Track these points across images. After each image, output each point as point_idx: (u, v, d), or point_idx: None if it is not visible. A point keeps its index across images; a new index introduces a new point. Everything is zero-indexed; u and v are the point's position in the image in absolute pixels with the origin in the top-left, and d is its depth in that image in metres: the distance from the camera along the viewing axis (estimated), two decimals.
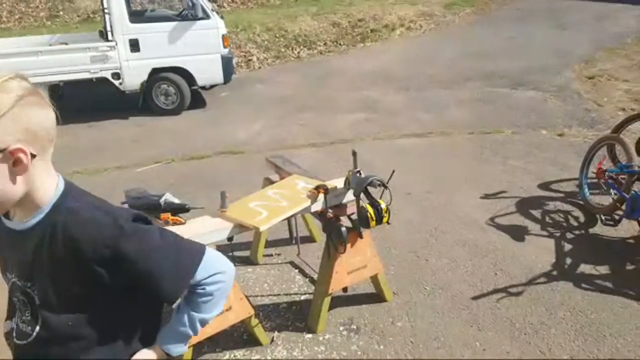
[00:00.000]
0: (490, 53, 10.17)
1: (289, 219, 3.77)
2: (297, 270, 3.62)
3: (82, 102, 8.02)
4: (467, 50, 10.55)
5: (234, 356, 2.84)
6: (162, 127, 7.21)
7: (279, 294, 3.36)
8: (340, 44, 12.28)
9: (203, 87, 8.14)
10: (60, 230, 1.13)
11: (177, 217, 2.62)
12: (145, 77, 7.32)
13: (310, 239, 3.94)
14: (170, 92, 7.57)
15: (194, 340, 2.54)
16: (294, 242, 3.83)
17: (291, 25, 12.94)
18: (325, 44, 12.22)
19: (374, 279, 3.18)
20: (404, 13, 13.65)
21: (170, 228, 2.59)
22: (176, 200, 2.81)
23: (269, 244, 3.83)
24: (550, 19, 12.96)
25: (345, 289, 3.11)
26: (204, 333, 2.58)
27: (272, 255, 3.81)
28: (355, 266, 3.00)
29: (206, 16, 7.37)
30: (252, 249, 3.75)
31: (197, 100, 8.16)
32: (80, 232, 1.13)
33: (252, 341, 2.91)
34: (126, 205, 3.04)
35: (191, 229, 2.57)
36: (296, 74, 10.14)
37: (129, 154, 6.16)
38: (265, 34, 12.46)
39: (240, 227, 2.64)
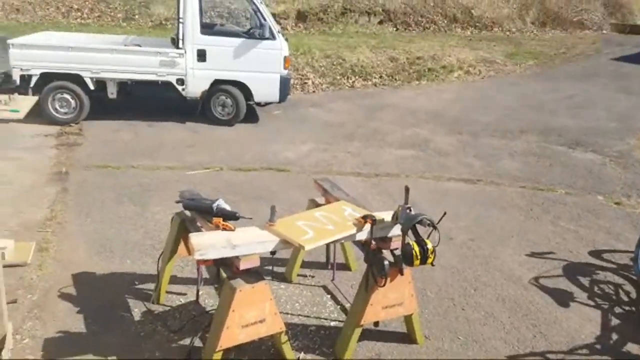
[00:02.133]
0: (550, 108, 9.97)
1: (327, 244, 3.77)
2: (329, 296, 3.57)
3: (146, 102, 8.33)
4: (526, 102, 10.37)
5: None
6: (215, 136, 7.37)
7: (308, 316, 3.32)
8: (395, 79, 12.32)
9: (258, 104, 8.31)
10: None
11: (227, 224, 2.65)
12: (207, 86, 7.54)
13: (345, 267, 3.89)
14: (227, 104, 7.75)
15: (224, 345, 2.54)
16: (329, 267, 3.80)
17: (349, 54, 13.11)
18: (380, 76, 12.29)
19: (408, 319, 3.10)
20: (464, 56, 13.60)
21: (215, 234, 2.63)
22: (227, 207, 2.86)
23: (304, 265, 3.79)
24: (617, 81, 12.63)
25: (377, 324, 3.04)
26: (235, 340, 2.57)
27: (306, 276, 3.77)
28: (391, 302, 2.93)
29: (272, 37, 7.57)
30: (287, 266, 3.73)
31: (251, 115, 8.32)
32: None
33: (278, 357, 2.87)
34: (180, 205, 3.12)
35: (239, 236, 2.59)
36: (349, 103, 10.21)
37: (182, 156, 6.31)
38: (323, 60, 12.66)
39: (285, 242, 2.64)
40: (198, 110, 7.76)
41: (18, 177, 5.31)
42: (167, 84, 7.43)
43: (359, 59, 12.89)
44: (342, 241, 2.99)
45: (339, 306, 3.46)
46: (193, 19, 7.30)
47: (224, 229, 2.65)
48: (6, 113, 3.44)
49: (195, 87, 7.51)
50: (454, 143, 7.74)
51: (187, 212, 3.20)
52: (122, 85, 7.46)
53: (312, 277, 3.79)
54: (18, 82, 6.91)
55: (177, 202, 3.17)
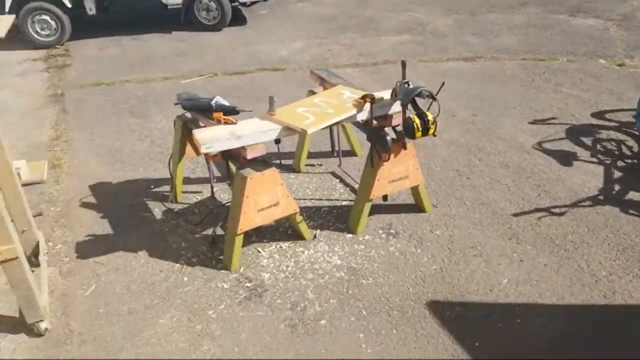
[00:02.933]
0: None
1: (331, 132, 3.82)
2: (337, 180, 3.69)
3: (125, 14, 8.02)
4: None
5: (280, 247, 3.00)
6: (203, 42, 7.17)
7: (320, 199, 3.46)
8: None
9: (244, 4, 7.96)
10: None
11: (228, 118, 2.68)
12: None
13: (351, 153, 3.96)
14: (211, 8, 7.44)
15: (243, 228, 2.69)
16: (335, 154, 3.88)
17: None
18: None
19: (415, 190, 3.22)
20: None
21: (219, 128, 2.67)
22: (226, 103, 2.86)
23: (311, 155, 3.87)
24: None
25: (385, 198, 3.17)
26: (252, 223, 2.72)
27: (314, 165, 3.87)
28: (397, 176, 3.03)
29: None
30: (295, 158, 3.81)
31: (237, 18, 8.02)
32: None
33: (296, 236, 3.06)
34: (179, 107, 3.13)
35: (242, 128, 2.63)
36: None
37: (174, 66, 6.20)
38: None
39: (288, 129, 2.68)
40: (182, 17, 7.48)
41: (15, 102, 5.28)
42: None
43: None
44: (344, 122, 3.02)
45: (348, 188, 3.59)
46: None
47: (226, 123, 2.68)
48: None
49: None
50: (451, 23, 7.49)
51: (188, 114, 3.22)
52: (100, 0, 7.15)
53: (320, 165, 3.89)
54: None
55: (176, 104, 3.18)
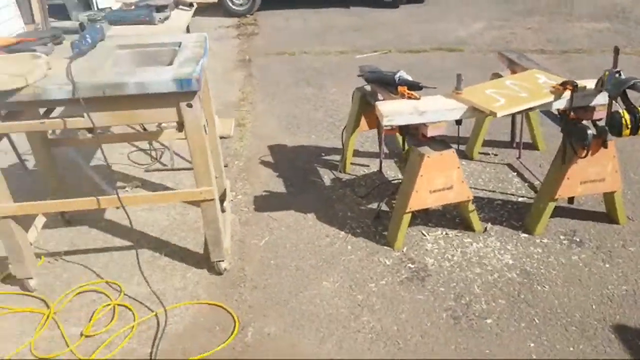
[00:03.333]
0: None
1: (513, 121, 3.58)
2: (514, 173, 3.45)
3: None
4: None
5: (446, 234, 2.92)
6: (380, 19, 7.19)
7: (493, 191, 3.28)
8: None
9: None
10: None
11: (412, 93, 2.64)
12: None
13: (531, 146, 3.68)
14: None
15: (413, 207, 2.66)
16: (514, 145, 3.63)
17: None
18: None
19: (608, 197, 2.88)
20: None
21: (402, 102, 2.64)
22: (409, 78, 2.82)
23: (485, 143, 3.68)
24: None
25: (571, 200, 2.89)
26: (423, 203, 2.67)
27: (488, 154, 3.67)
28: (591, 177, 2.73)
29: None
30: (468, 143, 3.66)
31: None
32: None
33: (464, 225, 2.95)
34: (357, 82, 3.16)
35: (426, 104, 2.57)
36: None
37: (350, 41, 6.34)
38: None
39: (474, 110, 2.56)
40: None
41: (212, 64, 5.84)
42: None
43: None
44: (537, 109, 2.78)
45: (526, 183, 3.34)
46: None
47: (409, 98, 2.64)
48: None
49: None
50: None
51: (367, 87, 3.25)
52: None
53: (495, 155, 3.68)
54: None
55: (359, 76, 3.22)
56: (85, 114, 2.10)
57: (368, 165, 3.65)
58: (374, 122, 3.33)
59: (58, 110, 2.37)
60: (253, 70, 5.61)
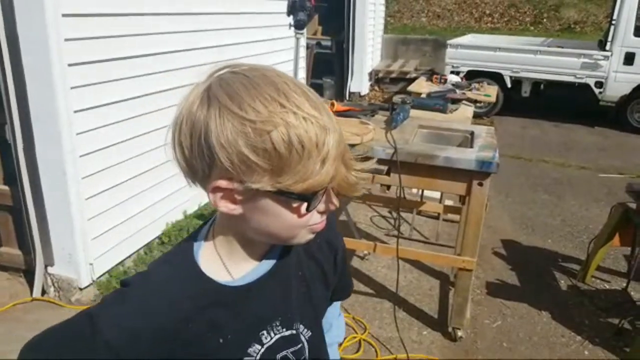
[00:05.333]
0: None
1: None
2: None
3: (554, 103, 8.52)
4: None
5: None
6: (628, 143, 6.97)
7: None
8: None
9: None
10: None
11: None
12: (628, 91, 7.16)
13: None
14: None
15: None
16: None
17: None
18: None
19: None
20: None
21: None
22: None
23: None
24: None
25: None
26: None
27: None
28: None
29: None
30: None
31: None
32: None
33: None
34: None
35: None
36: None
37: (593, 158, 6.27)
38: None
39: None
40: (613, 115, 7.47)
41: None
42: (583, 87, 7.40)
43: None
44: None
45: None
46: (628, 19, 7.00)
47: None
48: (480, 97, 4.30)
49: (615, 91, 7.23)
50: None
51: (632, 204, 3.29)
52: (536, 85, 7.85)
53: None
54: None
55: (628, 191, 3.28)
56: (397, 175, 2.66)
57: (609, 282, 3.59)
58: (629, 239, 3.33)
59: None
60: None
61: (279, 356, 0.81)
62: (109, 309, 0.71)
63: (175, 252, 0.79)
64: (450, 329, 2.97)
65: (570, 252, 4.00)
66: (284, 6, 3.48)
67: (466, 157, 2.54)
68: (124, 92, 3.06)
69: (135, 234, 3.32)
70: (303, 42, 5.96)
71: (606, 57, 7.09)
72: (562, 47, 7.91)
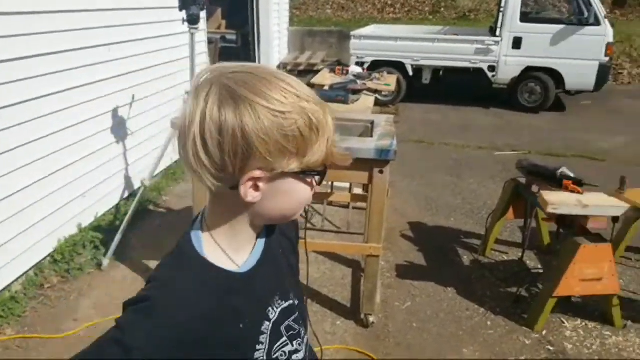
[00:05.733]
0: None
1: None
2: None
3: (453, 88, 8.96)
4: None
5: (585, 324, 3.02)
6: (520, 121, 7.49)
7: (634, 292, 3.33)
8: None
9: (568, 92, 8.02)
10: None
11: (576, 187, 2.89)
12: (517, 73, 7.69)
13: None
14: (535, 91, 7.76)
15: (560, 293, 2.82)
16: None
17: None
18: None
19: None
20: None
21: (566, 194, 2.89)
22: (571, 174, 3.07)
23: (628, 249, 3.71)
24: None
25: None
26: (570, 290, 2.83)
27: (630, 259, 3.71)
28: None
29: (596, 22, 7.20)
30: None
31: (556, 104, 8.11)
32: None
33: (602, 319, 3.04)
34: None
35: (589, 199, 2.81)
36: None
37: (489, 138, 6.68)
38: None
39: (636, 210, 2.74)
40: (505, 97, 7.99)
41: None
42: (478, 71, 7.85)
43: None
44: None
45: None
46: (514, 7, 7.49)
47: (572, 191, 2.89)
48: (381, 86, 4.41)
49: (506, 74, 7.74)
50: None
51: (522, 179, 3.53)
52: (435, 72, 8.21)
53: (638, 260, 3.70)
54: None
55: (518, 167, 3.51)
56: None
57: (507, 253, 3.85)
58: (522, 212, 3.57)
59: None
60: None
61: (282, 327, 0.88)
62: (136, 326, 0.73)
63: (179, 254, 0.82)
64: (362, 316, 3.03)
65: (471, 228, 4.24)
66: (175, 1, 3.34)
67: (366, 146, 2.59)
68: (6, 98, 2.80)
69: (22, 253, 3.06)
70: (204, 37, 5.81)
71: (497, 43, 7.57)
72: (457, 35, 8.34)
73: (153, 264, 3.63)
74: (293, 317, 0.91)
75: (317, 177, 0.80)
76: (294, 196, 0.80)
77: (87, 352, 0.74)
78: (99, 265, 3.54)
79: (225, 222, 0.81)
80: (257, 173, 0.74)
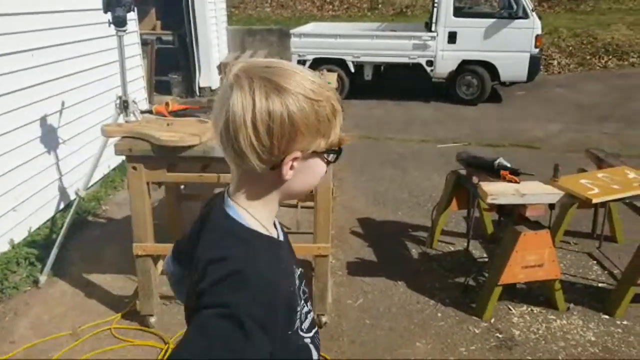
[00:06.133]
0: None
1: (595, 213, 3.80)
2: (594, 262, 3.64)
3: (394, 83, 9.11)
4: None
5: (531, 310, 3.12)
6: (459, 114, 7.71)
7: (574, 276, 3.48)
8: None
9: (503, 84, 8.33)
10: None
11: (513, 177, 2.98)
12: (454, 67, 7.90)
13: (611, 239, 3.85)
14: (472, 84, 8.01)
15: (504, 280, 2.90)
16: (595, 236, 3.82)
17: (602, 33, 11.97)
18: None
19: None
20: None
21: (504, 184, 2.98)
22: (508, 164, 3.17)
23: (567, 233, 3.88)
24: None
25: None
26: (514, 278, 2.91)
27: (569, 243, 3.88)
28: None
29: (525, 15, 7.51)
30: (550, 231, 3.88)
31: (493, 96, 8.41)
32: None
33: (547, 303, 3.15)
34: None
35: (526, 187, 2.90)
36: (600, 84, 9.47)
37: (431, 131, 6.83)
38: (571, 40, 11.84)
39: (571, 196, 2.85)
40: (444, 90, 8.20)
41: None
42: (417, 66, 8.01)
43: (613, 37, 11.70)
44: (628, 200, 3.02)
45: (606, 271, 3.51)
46: (447, 2, 7.69)
47: (509, 181, 2.98)
48: None
49: (443, 68, 7.94)
50: None
51: (462, 171, 3.62)
52: (377, 68, 8.31)
53: (576, 244, 3.87)
54: None
55: (458, 160, 3.59)
56: None
57: (453, 244, 3.93)
58: (465, 203, 3.66)
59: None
60: None
61: (301, 291, 0.99)
62: (238, 297, 0.79)
63: (228, 232, 0.89)
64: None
65: (418, 221, 4.30)
66: (99, 3, 3.17)
67: None
68: None
69: None
70: (135, 38, 5.59)
71: (433, 38, 7.75)
72: (395, 31, 8.47)
73: (94, 277, 3.46)
74: (304, 282, 1.03)
75: (335, 156, 0.92)
76: (316, 172, 0.92)
77: (191, 340, 0.78)
78: (36, 283, 3.33)
79: (260, 198, 0.92)
80: (298, 154, 0.85)
